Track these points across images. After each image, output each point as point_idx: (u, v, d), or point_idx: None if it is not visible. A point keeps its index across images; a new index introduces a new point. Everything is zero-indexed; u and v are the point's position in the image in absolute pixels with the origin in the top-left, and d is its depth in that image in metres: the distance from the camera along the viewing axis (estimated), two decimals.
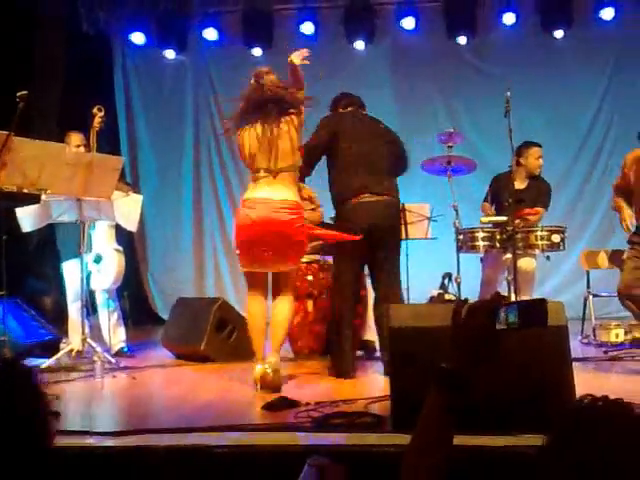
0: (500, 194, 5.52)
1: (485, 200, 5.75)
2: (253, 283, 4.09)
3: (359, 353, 4.80)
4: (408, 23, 7.87)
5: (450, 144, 5.53)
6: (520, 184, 5.56)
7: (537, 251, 5.38)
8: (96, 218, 4.91)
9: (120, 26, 8.13)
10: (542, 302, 1.33)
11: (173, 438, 2.69)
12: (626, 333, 5.28)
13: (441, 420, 1.31)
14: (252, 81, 4.06)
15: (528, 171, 5.59)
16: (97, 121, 5.09)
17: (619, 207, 4.13)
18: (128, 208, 5.13)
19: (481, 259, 5.63)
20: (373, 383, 4.03)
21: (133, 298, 7.21)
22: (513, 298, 5.05)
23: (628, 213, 4.10)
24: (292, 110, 3.99)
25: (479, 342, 1.33)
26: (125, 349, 5.34)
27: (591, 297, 5.79)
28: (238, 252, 4.07)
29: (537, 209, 5.44)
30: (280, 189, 3.91)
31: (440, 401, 1.31)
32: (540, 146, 5.63)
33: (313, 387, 3.97)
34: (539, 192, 5.60)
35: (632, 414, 1.07)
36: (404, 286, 5.93)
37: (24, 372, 1.42)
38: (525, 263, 5.36)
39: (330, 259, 5.59)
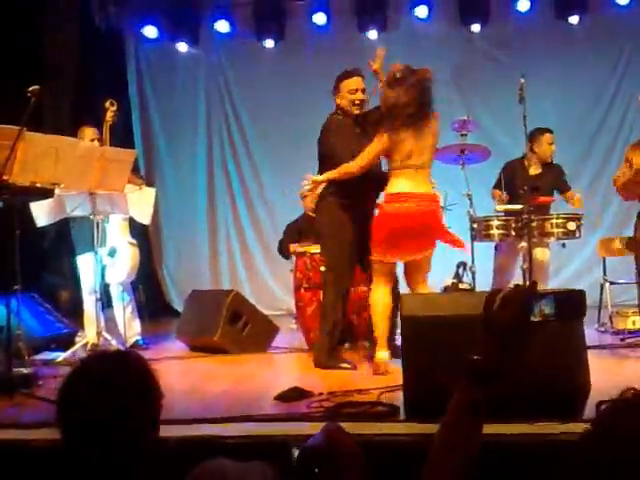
0: (513, 181, 5.47)
1: (495, 187, 5.69)
2: (384, 272, 4.13)
3: None
4: (421, 11, 7.81)
5: (464, 132, 5.49)
6: (534, 171, 5.53)
7: (552, 239, 5.34)
8: (110, 212, 4.92)
9: (132, 20, 8.15)
10: (580, 293, 1.29)
11: (185, 429, 2.70)
12: None
13: (472, 412, 1.28)
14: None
15: (541, 158, 5.54)
16: (110, 115, 5.12)
17: (622, 182, 4.05)
18: (142, 201, 5.14)
19: (495, 247, 5.59)
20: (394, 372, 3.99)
21: (148, 291, 7.24)
22: None
23: None
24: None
25: (512, 334, 1.28)
26: (140, 342, 5.37)
27: (607, 284, 5.72)
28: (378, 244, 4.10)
29: (572, 192, 5.47)
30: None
31: (471, 393, 1.28)
32: (552, 132, 5.58)
33: (327, 377, 3.95)
34: (555, 178, 5.56)
35: None
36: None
37: (140, 360, 1.45)
38: (540, 253, 5.32)
39: None
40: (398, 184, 4.03)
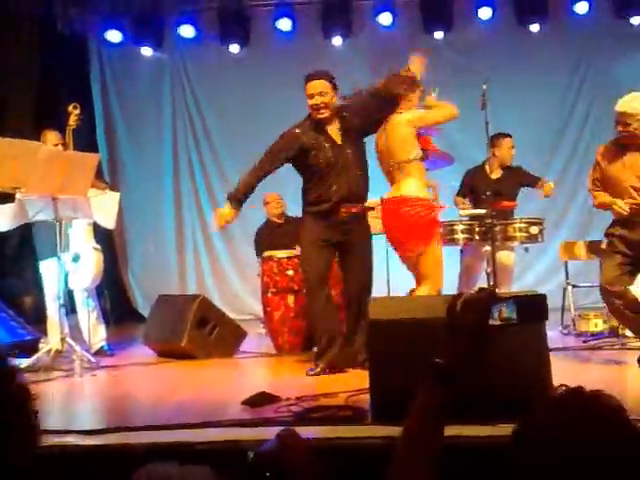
0: (476, 187, 5.58)
1: (458, 194, 5.79)
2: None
3: None
4: (384, 19, 7.88)
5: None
6: (496, 175, 5.65)
7: (516, 243, 5.44)
8: (73, 216, 4.86)
9: (95, 24, 8.07)
10: (541, 297, 1.32)
11: (153, 435, 2.68)
12: (605, 322, 5.34)
13: (434, 413, 1.30)
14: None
15: (501, 162, 5.67)
16: (73, 119, 5.07)
17: (604, 201, 4.12)
18: (105, 206, 5.09)
19: (461, 250, 5.67)
20: (356, 376, 4.02)
21: (114, 296, 7.18)
22: None
23: (616, 200, 4.08)
24: None
25: (473, 336, 1.31)
26: (106, 348, 5.31)
27: (570, 288, 5.84)
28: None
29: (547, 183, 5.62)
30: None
31: (434, 395, 1.30)
32: (511, 136, 5.68)
33: (295, 382, 3.96)
34: (517, 179, 5.67)
35: (603, 405, 1.08)
36: (384, 279, 5.97)
37: (9, 370, 1.39)
38: (504, 257, 5.42)
39: None
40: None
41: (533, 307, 1.30)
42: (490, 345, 1.31)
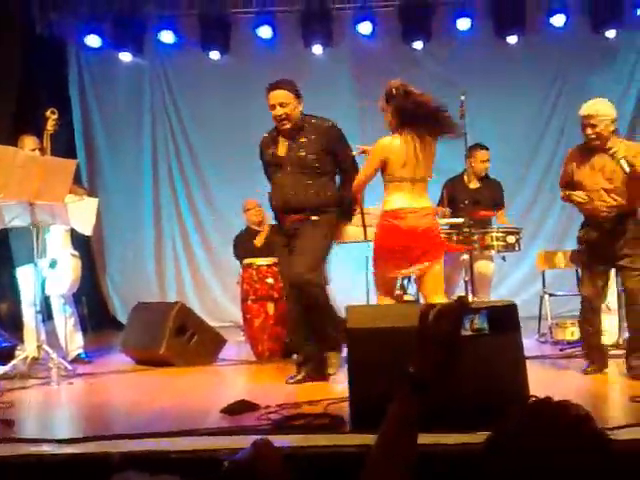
0: (455, 196, 5.64)
1: (439, 204, 5.83)
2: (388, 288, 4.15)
3: None
4: (365, 28, 7.94)
5: None
6: (474, 185, 5.71)
7: (493, 252, 5.50)
8: (50, 222, 4.82)
9: (74, 28, 8.01)
10: (512, 308, 1.33)
11: (130, 444, 2.67)
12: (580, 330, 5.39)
13: (408, 422, 1.32)
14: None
15: (475, 173, 5.73)
16: (51, 124, 5.03)
17: (568, 194, 4.22)
18: (83, 212, 5.06)
19: None
20: (337, 384, 4.02)
21: (91, 303, 7.12)
22: (470, 299, 5.14)
23: (578, 192, 4.18)
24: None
25: (445, 346, 1.32)
26: (83, 355, 5.26)
27: (547, 296, 5.91)
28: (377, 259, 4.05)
29: (498, 213, 5.59)
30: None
31: (407, 404, 1.32)
32: (486, 149, 5.76)
33: (275, 390, 3.95)
34: (493, 192, 5.74)
35: (572, 415, 1.10)
36: (364, 288, 6.00)
37: None
38: (483, 266, 5.48)
39: None
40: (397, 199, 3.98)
41: (504, 318, 1.32)
42: (462, 355, 1.33)
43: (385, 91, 3.95)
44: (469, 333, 1.33)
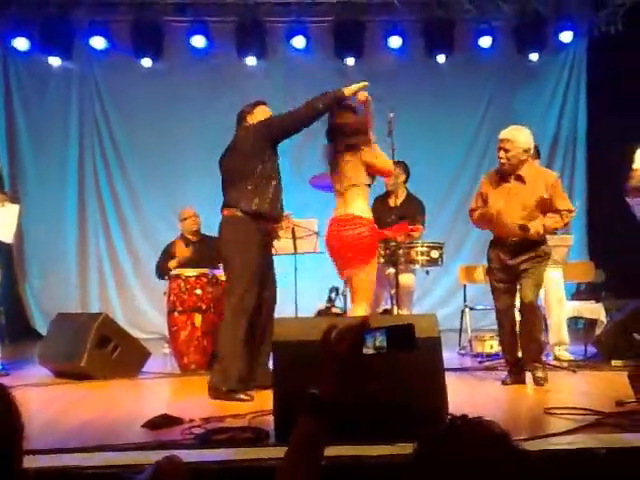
0: (380, 213, 5.69)
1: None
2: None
3: None
4: (298, 42, 8.02)
5: None
6: (394, 202, 5.74)
7: (417, 266, 5.62)
8: None
9: (2, 30, 7.79)
10: (410, 327, 1.37)
11: (46, 459, 2.59)
12: (500, 344, 5.56)
13: (311, 439, 1.36)
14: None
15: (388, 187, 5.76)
16: None
17: (481, 212, 4.38)
18: (4, 218, 4.93)
19: None
20: (263, 397, 4.00)
21: (9, 313, 6.88)
22: (395, 311, 5.24)
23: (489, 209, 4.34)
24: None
25: (345, 366, 1.36)
26: None
27: (467, 310, 6.08)
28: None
29: (418, 227, 5.67)
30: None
31: (309, 424, 1.36)
32: (400, 164, 5.76)
33: (201, 403, 3.91)
34: (415, 208, 5.83)
35: (485, 432, 1.15)
36: (292, 299, 6.01)
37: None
38: (405, 279, 5.58)
39: (219, 272, 5.55)
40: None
41: (402, 336, 1.36)
42: (362, 374, 1.37)
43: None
44: (372, 352, 1.36)
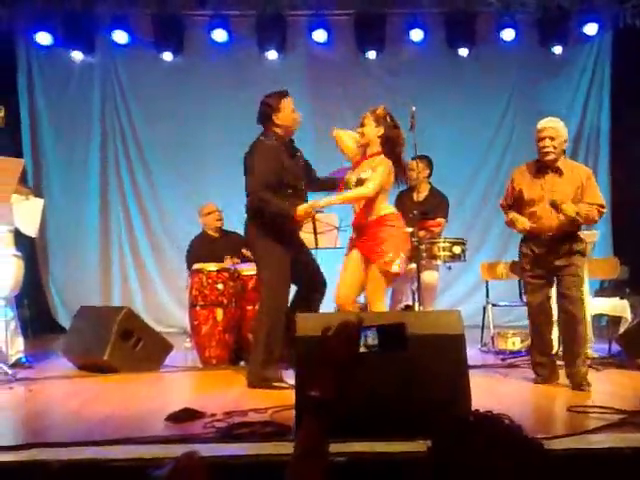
0: (404, 207, 5.67)
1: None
2: None
3: None
4: (319, 35, 7.99)
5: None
6: (418, 197, 5.71)
7: (439, 262, 5.57)
8: None
9: (25, 25, 7.85)
10: (401, 326, 1.37)
11: (69, 452, 2.61)
12: (522, 341, 5.52)
13: (315, 437, 1.39)
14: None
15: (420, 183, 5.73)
16: None
17: (513, 218, 4.26)
18: (28, 212, 4.96)
19: None
20: (285, 391, 4.00)
21: (33, 306, 6.95)
22: (417, 308, 5.21)
23: (522, 218, 4.23)
24: None
25: (340, 364, 1.38)
26: (23, 360, 5.13)
27: (490, 307, 6.02)
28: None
29: (439, 220, 5.63)
30: None
31: (312, 424, 1.39)
32: (414, 159, 5.71)
33: (222, 397, 3.92)
34: (438, 204, 5.80)
35: (500, 427, 1.15)
36: None
37: None
38: (428, 276, 5.54)
39: (241, 267, 5.56)
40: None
41: (393, 336, 1.36)
42: (355, 372, 1.39)
43: (377, 114, 4.26)
44: (365, 350, 1.38)
